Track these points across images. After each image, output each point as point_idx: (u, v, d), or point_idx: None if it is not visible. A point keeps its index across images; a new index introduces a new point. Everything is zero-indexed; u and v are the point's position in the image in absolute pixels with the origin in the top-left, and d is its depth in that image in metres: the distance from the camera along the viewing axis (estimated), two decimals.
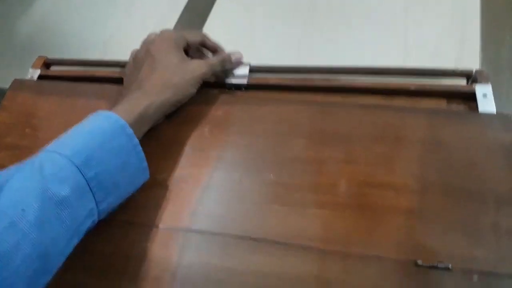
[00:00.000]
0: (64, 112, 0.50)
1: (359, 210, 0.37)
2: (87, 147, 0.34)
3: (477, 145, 0.38)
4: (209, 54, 0.50)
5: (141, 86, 0.42)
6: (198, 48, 0.50)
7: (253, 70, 0.49)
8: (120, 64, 0.54)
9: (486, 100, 0.41)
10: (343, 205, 0.37)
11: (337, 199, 0.38)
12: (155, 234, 0.39)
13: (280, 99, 0.46)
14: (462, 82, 0.45)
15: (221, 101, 0.47)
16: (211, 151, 0.43)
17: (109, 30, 0.69)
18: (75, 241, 0.34)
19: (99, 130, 0.36)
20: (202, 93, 0.46)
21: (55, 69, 0.59)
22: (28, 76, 0.56)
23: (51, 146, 0.35)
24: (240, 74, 0.48)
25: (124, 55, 0.51)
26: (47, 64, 0.58)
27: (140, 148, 0.38)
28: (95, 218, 0.35)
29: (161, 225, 0.39)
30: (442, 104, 0.43)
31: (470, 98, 0.42)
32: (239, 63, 0.49)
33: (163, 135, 0.44)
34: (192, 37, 0.47)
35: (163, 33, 0.46)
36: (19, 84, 0.54)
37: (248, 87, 0.48)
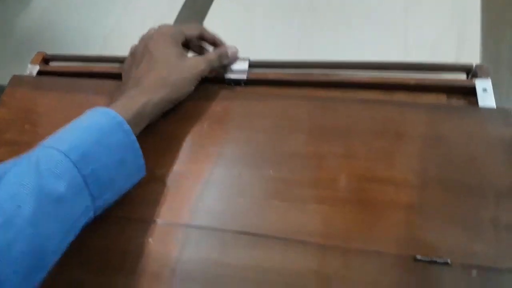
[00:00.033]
0: (63, 107, 0.49)
1: (359, 205, 0.37)
2: (84, 143, 0.34)
3: (477, 140, 0.38)
4: (210, 49, 0.50)
5: (139, 83, 0.42)
6: (197, 41, 0.49)
7: (252, 65, 0.49)
8: (119, 60, 0.54)
9: (486, 94, 0.41)
10: (343, 200, 0.37)
11: (337, 194, 0.38)
12: (154, 229, 0.39)
13: (279, 94, 0.46)
14: (462, 76, 0.44)
15: (220, 97, 0.46)
16: (211, 146, 0.43)
17: (108, 27, 0.69)
18: (71, 238, 0.34)
19: (96, 126, 0.36)
20: (201, 89, 0.46)
21: (54, 65, 0.59)
22: (27, 72, 0.56)
23: (48, 141, 0.35)
24: (240, 69, 0.48)
25: (123, 51, 0.51)
26: (46, 60, 0.58)
27: (138, 145, 0.38)
28: (91, 214, 0.35)
29: (160, 221, 0.39)
30: (442, 98, 0.43)
31: (470, 92, 0.42)
32: (235, 57, 0.49)
33: (162, 131, 0.44)
34: (190, 31, 0.47)
35: (161, 28, 0.46)
36: (18, 80, 0.54)
37: (248, 82, 0.48)
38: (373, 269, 0.34)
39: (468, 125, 0.39)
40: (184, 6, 0.67)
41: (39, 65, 0.57)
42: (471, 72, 0.44)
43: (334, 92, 0.45)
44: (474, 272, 0.32)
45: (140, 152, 0.38)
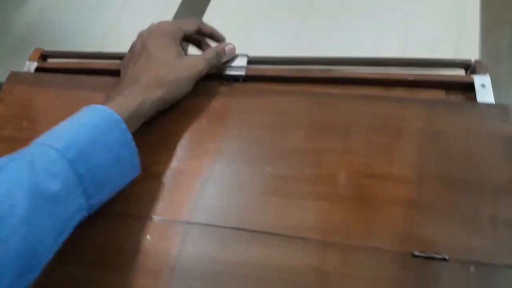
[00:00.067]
0: (61, 104, 0.49)
1: (357, 202, 0.37)
2: (80, 141, 0.34)
3: (475, 136, 0.38)
4: (210, 42, 0.50)
5: (136, 81, 0.41)
6: (196, 36, 0.49)
7: (251, 61, 0.49)
8: (117, 57, 0.54)
9: (485, 90, 0.41)
10: (341, 196, 0.37)
11: (335, 191, 0.38)
12: (152, 226, 0.39)
13: (278, 91, 0.46)
14: (460, 72, 0.44)
15: (219, 93, 0.46)
16: (209, 143, 0.43)
17: (107, 23, 0.69)
18: (64, 237, 0.33)
19: (93, 124, 0.35)
20: (200, 85, 0.46)
21: (52, 62, 0.58)
22: (25, 69, 0.56)
23: (44, 138, 0.34)
24: (238, 66, 0.48)
25: (121, 48, 0.51)
26: (44, 56, 0.58)
27: (134, 143, 0.37)
28: (85, 213, 0.35)
29: (158, 218, 0.39)
30: (440, 94, 0.43)
31: (468, 88, 0.42)
32: (234, 54, 0.48)
33: (161, 128, 0.44)
34: (189, 27, 0.47)
35: (160, 25, 0.46)
36: (16, 77, 0.54)
37: (246, 78, 0.48)
38: (371, 266, 0.34)
39: (467, 121, 0.39)
40: (182, 3, 0.67)
41: (37, 61, 0.56)
42: (469, 68, 0.44)
43: (333, 88, 0.45)
44: (472, 268, 0.32)
45: (136, 151, 0.38)
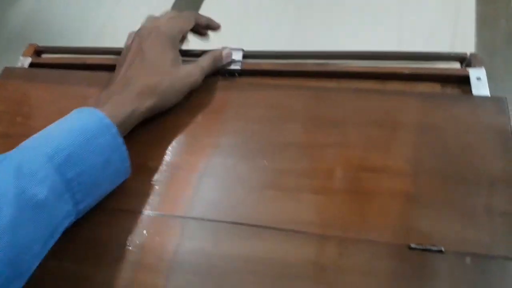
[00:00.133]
0: (55, 99, 0.49)
1: (353, 195, 0.37)
2: (68, 146, 0.33)
3: (471, 128, 0.38)
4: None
5: (129, 83, 0.40)
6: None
7: (246, 55, 0.49)
8: (112, 52, 0.54)
9: (480, 83, 0.41)
10: (337, 190, 0.37)
11: (331, 184, 0.38)
12: (149, 221, 0.39)
13: (274, 85, 0.46)
14: (456, 66, 0.45)
15: (214, 87, 0.46)
16: (205, 137, 0.43)
17: (101, 19, 0.69)
18: (52, 243, 0.33)
19: (83, 127, 0.35)
20: None
21: (46, 57, 0.58)
22: (19, 64, 0.55)
23: (32, 142, 0.34)
24: (234, 60, 0.48)
25: (116, 43, 0.50)
26: (38, 52, 0.58)
27: (125, 147, 0.37)
28: (73, 218, 0.35)
29: (154, 213, 0.39)
30: (436, 88, 0.43)
31: (464, 81, 0.42)
32: (230, 59, 0.48)
33: (156, 123, 0.44)
34: (187, 25, 0.46)
35: (160, 28, 0.44)
36: (10, 72, 0.54)
37: (242, 72, 0.48)
38: (368, 258, 0.34)
39: (462, 113, 0.39)
40: None
41: (31, 57, 0.56)
42: (465, 61, 0.44)
43: (328, 82, 0.45)
44: (468, 260, 0.32)
45: (127, 154, 0.37)
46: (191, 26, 0.47)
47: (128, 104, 0.39)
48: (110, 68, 0.49)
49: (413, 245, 0.33)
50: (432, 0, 0.55)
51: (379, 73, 0.44)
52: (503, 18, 0.53)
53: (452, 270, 0.32)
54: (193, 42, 0.50)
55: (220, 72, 0.48)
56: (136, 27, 0.46)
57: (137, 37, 0.44)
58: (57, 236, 0.33)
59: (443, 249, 0.33)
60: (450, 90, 0.42)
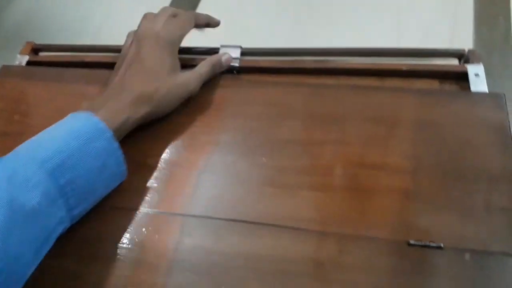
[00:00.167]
0: (53, 97, 0.49)
1: (352, 192, 0.37)
2: (61, 151, 0.33)
3: (469, 124, 0.38)
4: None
5: (123, 91, 0.39)
6: None
7: (244, 53, 0.48)
8: (110, 49, 0.54)
9: (478, 79, 0.41)
10: (336, 186, 0.37)
11: (330, 181, 0.38)
12: (148, 219, 0.39)
13: (272, 82, 0.46)
14: (454, 62, 0.45)
15: (213, 85, 0.46)
16: (204, 135, 0.43)
17: (99, 17, 0.68)
18: (46, 250, 0.32)
19: (77, 132, 0.34)
20: None
21: (43, 55, 0.58)
22: (16, 62, 0.55)
23: (26, 148, 0.33)
24: (232, 57, 0.48)
25: (114, 41, 0.50)
26: (35, 50, 0.57)
27: (121, 151, 0.36)
28: (67, 224, 0.34)
29: (153, 210, 0.39)
30: (434, 84, 0.43)
31: (462, 78, 0.42)
32: (229, 64, 0.47)
33: (155, 121, 0.44)
34: (186, 28, 0.45)
35: (160, 33, 0.43)
36: (7, 70, 0.53)
37: (240, 70, 0.48)
38: (368, 255, 0.34)
39: (461, 110, 0.39)
40: None
41: (29, 55, 0.56)
42: (463, 57, 0.44)
43: (327, 79, 0.45)
44: (467, 256, 0.32)
45: (123, 159, 0.37)
46: (190, 28, 0.46)
47: (122, 111, 0.38)
48: (108, 66, 0.49)
49: (412, 242, 0.34)
50: None
51: (377, 70, 0.44)
52: (501, 15, 0.53)
53: (451, 266, 0.32)
54: (193, 40, 0.49)
55: None
56: (134, 24, 0.46)
57: (136, 40, 0.43)
58: (51, 242, 0.33)
59: (442, 245, 0.33)
60: (448, 87, 0.42)
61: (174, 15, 0.45)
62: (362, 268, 0.33)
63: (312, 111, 0.42)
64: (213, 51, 0.49)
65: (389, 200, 0.36)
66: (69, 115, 0.36)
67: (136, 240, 0.37)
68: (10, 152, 0.33)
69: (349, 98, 0.42)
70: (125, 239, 0.38)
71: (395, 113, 0.40)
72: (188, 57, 0.49)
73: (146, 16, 0.45)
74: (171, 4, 0.65)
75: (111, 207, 0.39)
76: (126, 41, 0.47)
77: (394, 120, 0.40)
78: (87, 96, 0.48)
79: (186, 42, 0.50)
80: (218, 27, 0.49)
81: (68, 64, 0.54)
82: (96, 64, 0.52)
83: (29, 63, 0.55)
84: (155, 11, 0.46)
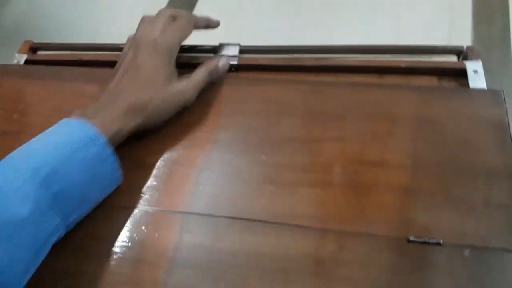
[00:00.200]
0: (51, 96, 0.49)
1: (352, 188, 0.37)
2: (53, 159, 0.32)
3: (468, 121, 0.38)
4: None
5: (118, 98, 0.39)
6: None
7: (243, 50, 0.48)
8: (108, 48, 0.53)
9: (477, 76, 0.41)
10: (336, 183, 0.37)
11: (330, 178, 0.38)
12: (148, 217, 0.39)
13: (271, 80, 0.46)
14: (453, 59, 0.45)
15: (212, 83, 0.46)
16: (203, 133, 0.43)
17: (97, 15, 0.68)
18: (41, 258, 0.32)
19: (70, 139, 0.34)
20: None
21: (42, 54, 0.58)
22: (14, 61, 0.55)
23: (16, 156, 0.33)
24: (231, 55, 0.48)
25: (112, 40, 0.50)
26: (33, 49, 0.57)
27: (115, 157, 0.36)
28: (62, 232, 0.34)
29: (153, 209, 0.39)
30: (433, 81, 0.43)
31: (461, 74, 0.42)
32: (226, 69, 0.46)
33: None
34: (185, 34, 0.44)
35: (157, 40, 0.41)
36: (5, 69, 0.53)
37: (239, 67, 0.48)
38: (367, 251, 0.34)
39: (460, 106, 0.39)
40: None
41: (27, 54, 0.56)
42: (462, 54, 0.44)
43: (326, 77, 0.45)
44: (466, 252, 0.32)
45: (118, 164, 0.37)
46: (190, 33, 0.45)
47: (115, 122, 0.37)
48: (107, 64, 0.49)
49: (412, 238, 0.34)
50: None
51: (376, 67, 0.44)
52: (499, 12, 0.53)
53: (450, 262, 0.32)
54: (192, 39, 0.49)
55: None
56: (132, 23, 0.45)
57: (133, 46, 0.42)
58: (46, 251, 0.32)
59: (441, 241, 0.33)
60: (447, 83, 0.42)
61: (173, 18, 0.43)
62: (362, 265, 0.33)
63: (311, 109, 0.42)
64: (212, 49, 0.49)
65: (388, 197, 0.36)
66: (59, 122, 0.36)
67: (136, 238, 0.37)
68: (1, 160, 0.32)
69: (348, 95, 0.42)
70: (125, 238, 0.38)
71: (394, 110, 0.40)
72: (186, 56, 0.49)
73: (144, 20, 0.44)
74: (169, 3, 0.65)
75: (110, 206, 0.39)
76: (126, 45, 0.46)
77: (393, 117, 0.40)
78: (86, 94, 0.47)
79: (185, 41, 0.50)
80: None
81: (66, 63, 0.54)
82: (94, 62, 0.52)
83: (27, 62, 0.55)
84: (153, 9, 0.46)
